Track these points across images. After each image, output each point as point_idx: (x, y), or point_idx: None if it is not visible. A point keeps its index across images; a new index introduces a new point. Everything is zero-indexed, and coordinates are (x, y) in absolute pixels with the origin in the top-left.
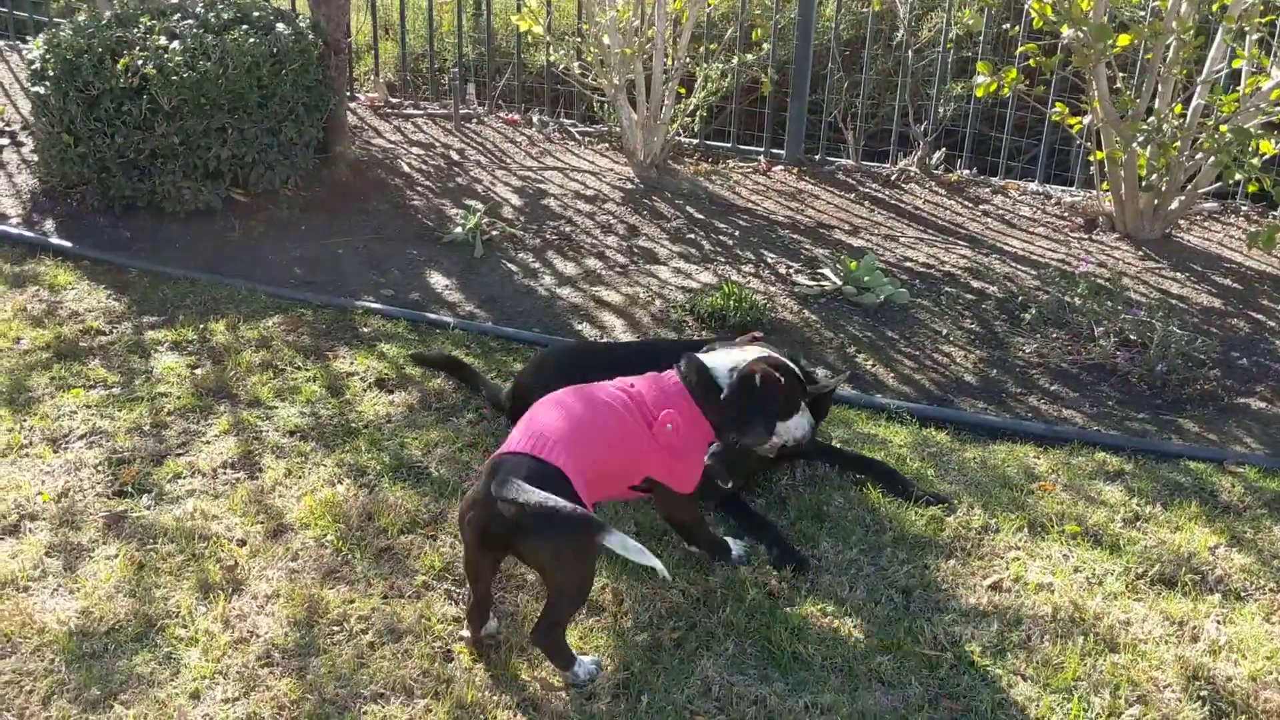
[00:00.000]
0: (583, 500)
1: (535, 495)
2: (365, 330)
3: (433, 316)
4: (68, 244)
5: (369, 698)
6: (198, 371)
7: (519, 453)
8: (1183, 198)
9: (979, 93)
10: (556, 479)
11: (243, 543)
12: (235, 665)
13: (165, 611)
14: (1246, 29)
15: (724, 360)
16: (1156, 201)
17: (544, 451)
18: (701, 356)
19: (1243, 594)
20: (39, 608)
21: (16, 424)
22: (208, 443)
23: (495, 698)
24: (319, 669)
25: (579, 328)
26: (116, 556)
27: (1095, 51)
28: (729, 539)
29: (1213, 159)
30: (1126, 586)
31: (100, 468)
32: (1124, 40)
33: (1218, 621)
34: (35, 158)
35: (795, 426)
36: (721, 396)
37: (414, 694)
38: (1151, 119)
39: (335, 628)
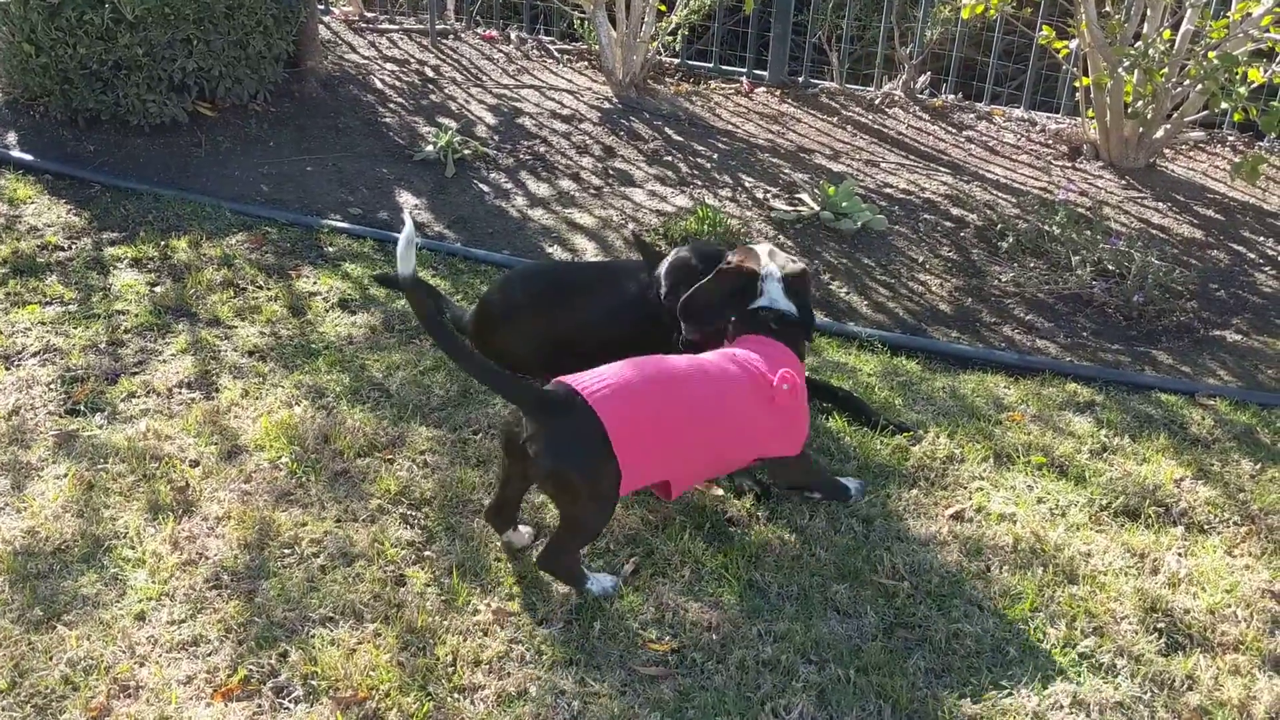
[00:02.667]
0: (616, 457)
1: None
2: (330, 249)
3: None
4: (29, 157)
5: (318, 621)
6: (157, 289)
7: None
8: (1168, 126)
9: (965, 14)
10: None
11: (195, 464)
12: (183, 587)
13: (113, 532)
14: None
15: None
16: (1142, 130)
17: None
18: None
19: (1205, 527)
20: None
21: None
22: (164, 362)
23: (446, 622)
24: (268, 592)
25: (550, 250)
26: (65, 476)
27: None
28: (845, 479)
29: (1200, 86)
30: (1089, 518)
31: (53, 385)
32: None
33: (1179, 554)
34: None
35: None
36: (796, 313)
37: (364, 618)
38: (1139, 44)
39: (286, 551)
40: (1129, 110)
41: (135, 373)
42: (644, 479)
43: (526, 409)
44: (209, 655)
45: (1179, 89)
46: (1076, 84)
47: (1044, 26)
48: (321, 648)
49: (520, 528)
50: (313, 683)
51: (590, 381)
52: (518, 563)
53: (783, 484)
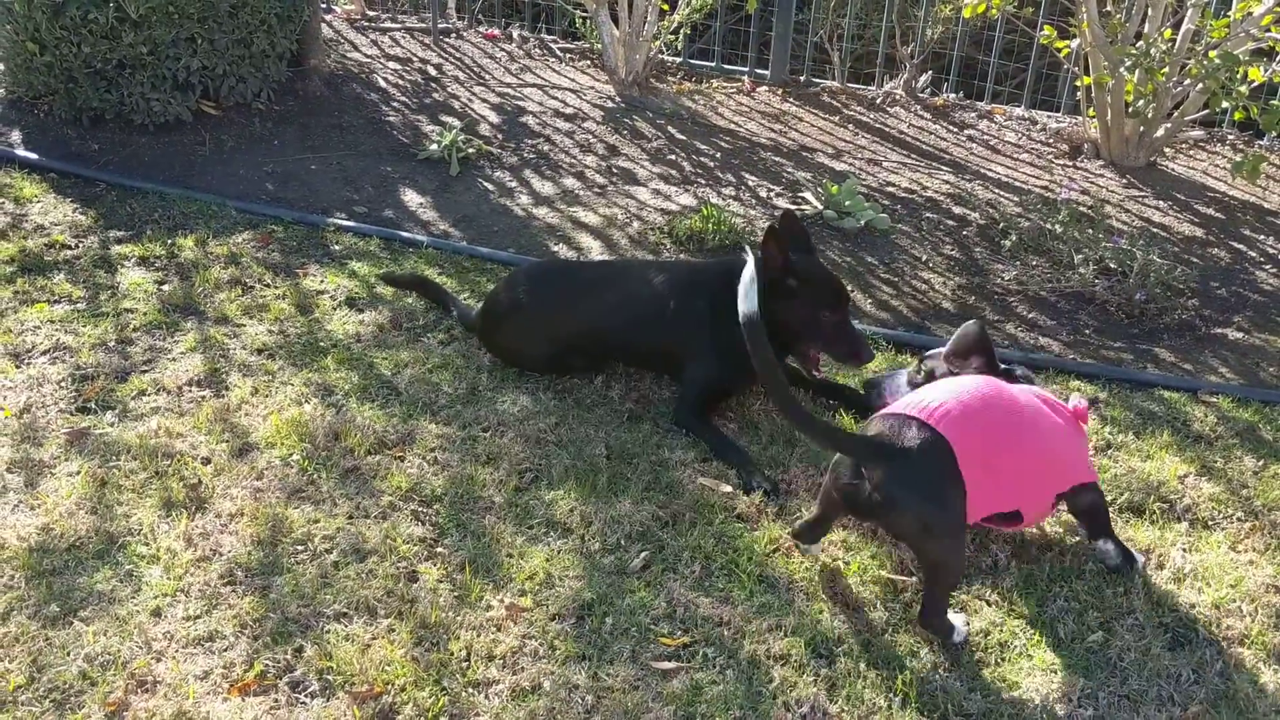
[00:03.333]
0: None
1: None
2: (336, 248)
3: (406, 235)
4: (34, 156)
5: (332, 616)
6: (165, 287)
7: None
8: (1169, 125)
9: (966, 13)
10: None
11: (207, 461)
12: (197, 583)
13: (127, 529)
14: None
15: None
16: (1142, 128)
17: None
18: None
19: (1210, 523)
20: None
21: None
22: (174, 360)
23: (459, 618)
24: (282, 588)
25: (555, 248)
26: (78, 473)
27: None
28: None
29: (1200, 85)
30: None
31: (63, 383)
32: None
33: (1184, 550)
34: (0, 68)
35: None
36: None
37: (377, 613)
38: (1140, 43)
39: (299, 547)
40: (1130, 109)
41: (145, 371)
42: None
43: (864, 457)
44: (225, 650)
45: (1179, 88)
46: (1078, 83)
47: (1045, 26)
48: (336, 643)
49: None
50: (328, 678)
51: (926, 405)
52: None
53: (1087, 517)
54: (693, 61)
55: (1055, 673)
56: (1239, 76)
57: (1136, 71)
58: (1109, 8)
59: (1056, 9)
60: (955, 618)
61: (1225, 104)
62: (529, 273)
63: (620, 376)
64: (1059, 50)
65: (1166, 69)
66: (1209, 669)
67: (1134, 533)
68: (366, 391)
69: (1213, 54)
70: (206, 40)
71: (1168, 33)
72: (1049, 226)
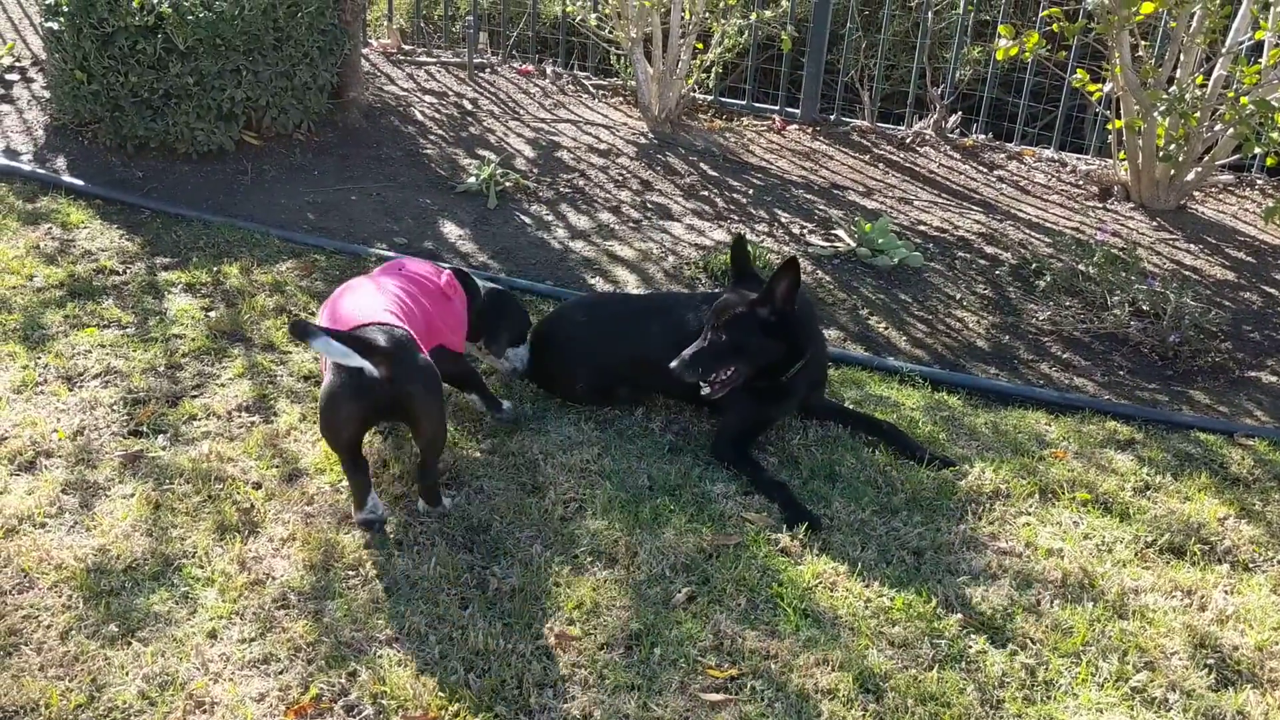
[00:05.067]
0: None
1: None
2: None
3: (446, 266)
4: (79, 182)
5: (384, 641)
6: (211, 314)
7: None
8: (1199, 169)
9: (999, 56)
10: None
11: (258, 485)
12: (252, 606)
13: (182, 551)
14: (1272, 0)
15: None
16: (1173, 172)
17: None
18: None
19: (1251, 565)
20: (56, 544)
21: (31, 361)
22: (222, 385)
23: (509, 645)
24: (335, 612)
25: (591, 281)
26: (133, 496)
27: (1119, 18)
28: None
29: (1232, 130)
30: (1136, 555)
31: (115, 407)
32: (1148, 7)
33: (1225, 591)
34: (46, 94)
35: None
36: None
37: (429, 639)
38: (1173, 88)
39: (350, 572)
40: (1161, 153)
41: (195, 395)
42: None
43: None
44: (280, 673)
45: (1210, 133)
46: (1109, 126)
47: (1079, 70)
48: (389, 668)
49: None
50: (382, 702)
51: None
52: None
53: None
54: (724, 99)
55: (1100, 712)
56: (1271, 122)
57: (1169, 116)
58: (1141, 53)
59: (1088, 53)
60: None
61: (1258, 149)
62: (577, 305)
63: (660, 409)
64: (1091, 94)
65: (1199, 114)
66: (1253, 711)
67: (1175, 574)
68: None
69: (1245, 100)
70: (251, 72)
71: (1200, 78)
72: (1082, 268)
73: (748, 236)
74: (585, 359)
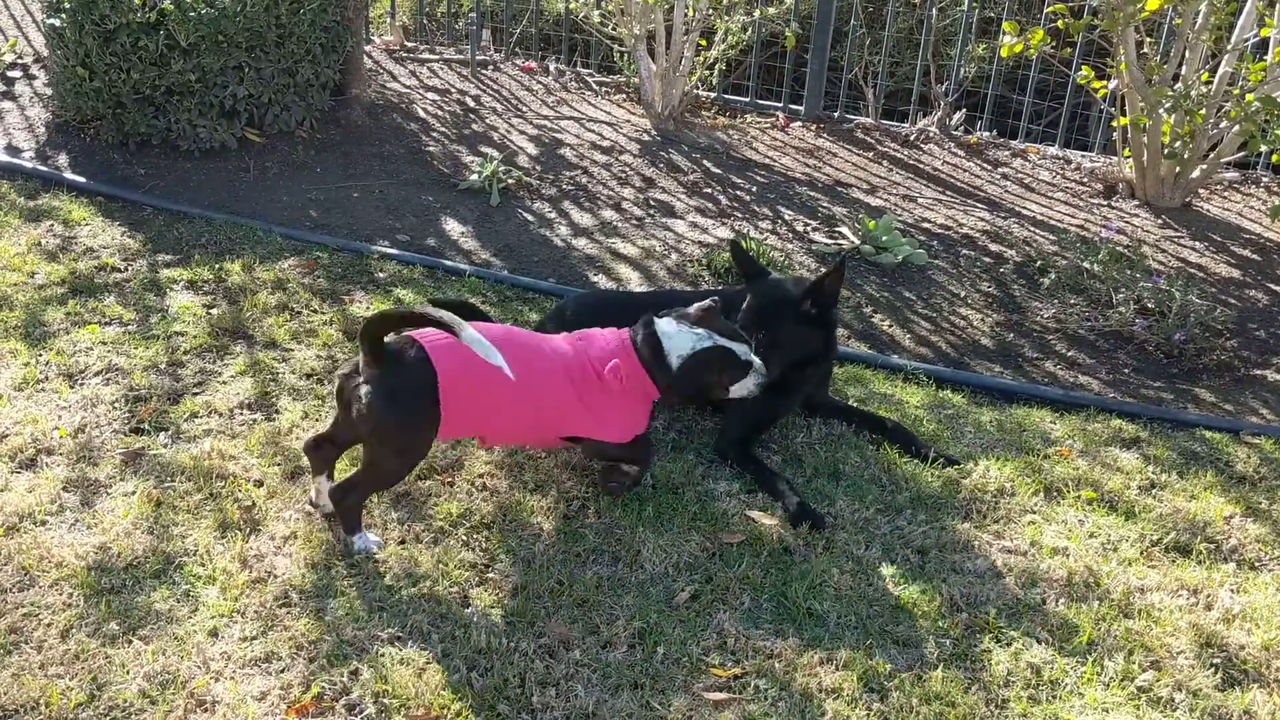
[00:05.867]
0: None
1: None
2: (381, 275)
3: (449, 263)
4: (81, 179)
5: (387, 640)
6: (213, 311)
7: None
8: (1204, 166)
9: (1004, 53)
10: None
11: (260, 483)
12: (253, 604)
13: (183, 549)
14: None
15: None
16: (1178, 169)
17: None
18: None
19: (1257, 564)
20: (57, 542)
21: (32, 358)
22: (224, 383)
23: (511, 644)
24: (337, 610)
25: (594, 279)
26: (134, 493)
27: (1124, 15)
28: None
29: (1237, 128)
30: (1141, 553)
31: (117, 404)
32: (1153, 4)
33: (1232, 590)
34: (48, 91)
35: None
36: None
37: (431, 638)
38: (1178, 85)
39: (352, 570)
40: (1166, 150)
41: (196, 393)
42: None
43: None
44: (282, 672)
45: (1215, 130)
46: (1114, 123)
47: (1084, 66)
48: (391, 666)
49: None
50: (385, 701)
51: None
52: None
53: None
54: (727, 97)
55: (1106, 711)
56: (1277, 119)
57: (1174, 113)
58: (1146, 49)
59: (1093, 50)
60: (369, 536)
61: (1263, 147)
62: (578, 302)
63: (663, 407)
64: (1096, 91)
65: (1204, 111)
66: (1260, 710)
67: (1181, 572)
68: None
69: (1250, 97)
70: (253, 69)
71: (1205, 75)
72: (1087, 265)
73: (750, 234)
74: None
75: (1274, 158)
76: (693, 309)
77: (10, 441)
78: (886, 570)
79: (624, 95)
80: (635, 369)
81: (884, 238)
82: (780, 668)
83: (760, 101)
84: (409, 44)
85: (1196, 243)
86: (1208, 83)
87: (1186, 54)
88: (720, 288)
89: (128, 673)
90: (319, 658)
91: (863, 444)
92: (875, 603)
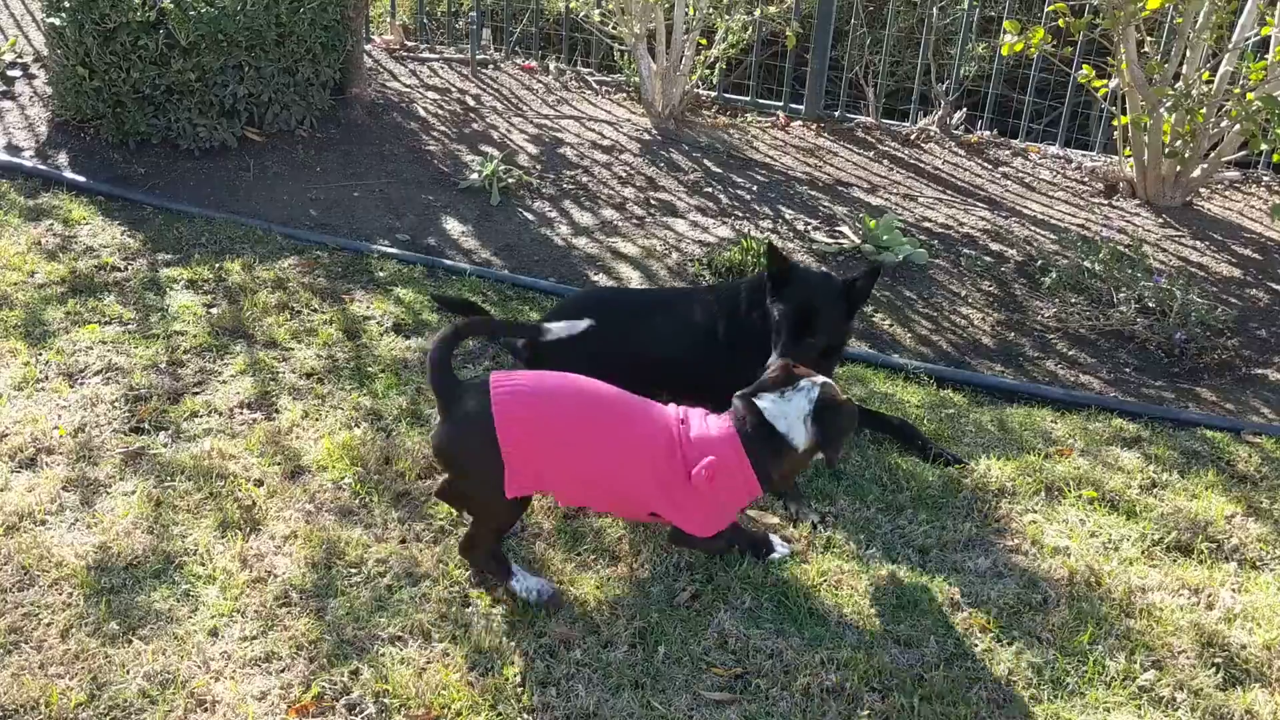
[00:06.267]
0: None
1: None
2: (381, 274)
3: (449, 263)
4: (81, 179)
5: (387, 639)
6: (213, 310)
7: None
8: (1205, 165)
9: (1004, 51)
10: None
11: (260, 483)
12: (253, 604)
13: (183, 549)
14: None
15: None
16: (1179, 168)
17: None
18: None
19: (1258, 563)
20: (56, 541)
21: (32, 357)
22: (224, 382)
23: (512, 644)
24: (337, 610)
25: (595, 278)
26: (134, 493)
27: (1125, 13)
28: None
29: (1238, 127)
30: (1143, 552)
31: (117, 404)
32: (1154, 3)
33: (1233, 590)
34: (48, 90)
35: None
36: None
37: (432, 637)
38: (1179, 84)
39: (353, 570)
40: (1167, 149)
41: (197, 392)
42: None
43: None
44: (282, 671)
45: (1216, 129)
46: (1115, 122)
47: (1084, 65)
48: (392, 666)
49: None
50: (385, 700)
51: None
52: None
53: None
54: (728, 96)
55: (1107, 711)
56: (1278, 119)
57: (1175, 112)
58: (1147, 48)
59: (1094, 49)
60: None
61: (1264, 146)
62: (579, 301)
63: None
64: (1097, 90)
65: (1205, 110)
66: (1261, 710)
67: (1183, 572)
68: (415, 416)
69: (1251, 96)
70: (253, 68)
71: (1206, 74)
72: (1088, 264)
73: (752, 233)
74: (587, 355)
75: (1275, 157)
76: (767, 375)
77: (10, 441)
78: (887, 569)
79: (624, 94)
80: (740, 465)
81: (885, 237)
82: (781, 667)
83: (761, 100)
84: (409, 43)
85: (1197, 242)
86: (1208, 82)
87: (1187, 53)
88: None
89: (128, 672)
90: (319, 657)
91: (864, 443)
92: (876, 602)
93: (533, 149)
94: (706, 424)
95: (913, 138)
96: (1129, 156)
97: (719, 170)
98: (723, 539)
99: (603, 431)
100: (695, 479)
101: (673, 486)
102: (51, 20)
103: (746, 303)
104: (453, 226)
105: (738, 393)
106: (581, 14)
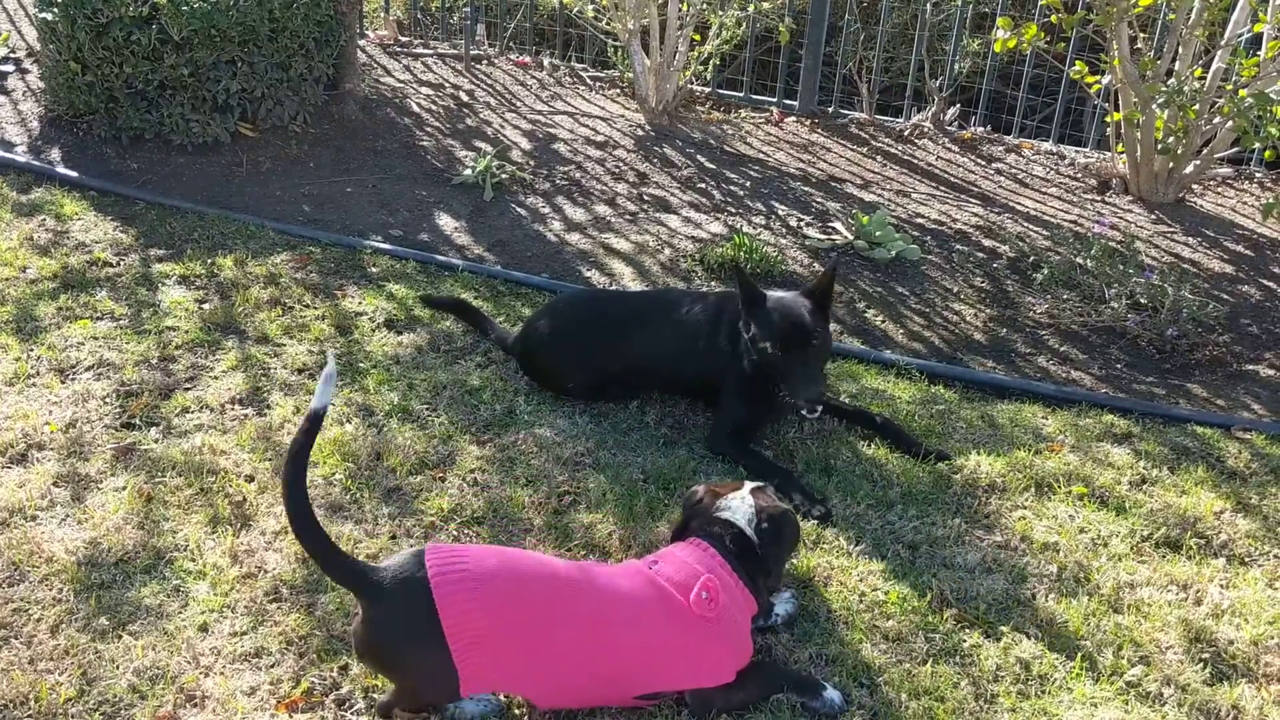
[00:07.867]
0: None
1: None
2: (374, 270)
3: (441, 258)
4: (74, 174)
5: None
6: (205, 306)
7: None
8: (1198, 162)
9: (997, 48)
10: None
11: (251, 478)
12: (244, 599)
13: (174, 544)
14: None
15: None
16: (1172, 165)
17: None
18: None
19: (1247, 559)
20: (47, 537)
21: (24, 353)
22: (216, 378)
23: None
24: (327, 605)
25: (588, 274)
26: (125, 488)
27: (1118, 10)
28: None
29: (1230, 124)
30: (1131, 548)
31: (108, 399)
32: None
33: (1221, 586)
34: (41, 85)
35: None
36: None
37: None
38: (1172, 81)
39: None
40: (1160, 146)
41: (188, 388)
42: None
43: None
44: (272, 667)
45: (1209, 126)
46: (1107, 119)
47: (1077, 62)
48: None
49: None
50: (374, 696)
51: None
52: None
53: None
54: (721, 91)
55: (1095, 706)
56: (1270, 115)
57: (1168, 109)
58: (1139, 45)
59: (1086, 45)
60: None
61: (1256, 143)
62: (570, 300)
63: (655, 402)
64: (1090, 86)
65: (1197, 107)
66: (1248, 705)
67: (1171, 568)
68: (407, 412)
69: (1243, 92)
70: (246, 63)
71: (1198, 71)
72: (1080, 261)
73: (744, 229)
74: (577, 356)
75: (1266, 154)
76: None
77: (1, 436)
78: (877, 565)
79: (618, 90)
80: (728, 581)
81: (877, 233)
82: (770, 661)
83: (755, 96)
84: (403, 38)
85: (1189, 238)
86: (1201, 78)
87: (1180, 50)
88: (720, 288)
89: (117, 668)
90: (309, 653)
91: (854, 440)
92: (865, 597)
93: (526, 144)
94: (678, 554)
95: (906, 134)
96: (1122, 153)
97: (712, 166)
98: (754, 684)
99: (566, 601)
100: (697, 603)
101: (682, 630)
102: (44, 15)
103: (731, 314)
104: (446, 222)
105: (694, 521)
106: (575, 9)
